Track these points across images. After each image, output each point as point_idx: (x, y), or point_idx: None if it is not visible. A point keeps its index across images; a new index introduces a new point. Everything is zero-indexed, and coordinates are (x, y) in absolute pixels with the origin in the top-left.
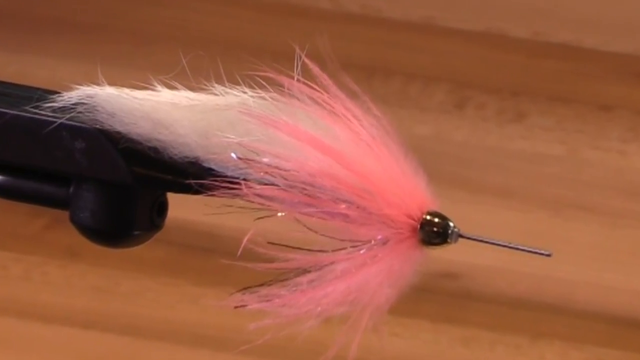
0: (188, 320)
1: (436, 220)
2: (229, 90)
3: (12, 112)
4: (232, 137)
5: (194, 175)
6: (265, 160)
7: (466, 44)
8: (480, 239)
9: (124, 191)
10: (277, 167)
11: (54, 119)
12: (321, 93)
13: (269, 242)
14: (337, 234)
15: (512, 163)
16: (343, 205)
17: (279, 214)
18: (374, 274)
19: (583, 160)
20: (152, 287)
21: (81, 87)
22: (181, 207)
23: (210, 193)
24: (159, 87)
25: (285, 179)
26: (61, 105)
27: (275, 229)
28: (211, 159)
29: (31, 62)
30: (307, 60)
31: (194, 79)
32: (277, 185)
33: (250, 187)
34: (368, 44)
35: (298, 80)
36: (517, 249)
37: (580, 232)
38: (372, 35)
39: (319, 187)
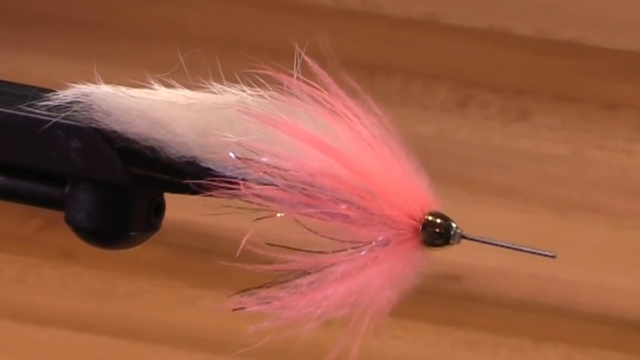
0: (186, 323)
1: (438, 221)
2: (227, 88)
3: (6, 110)
4: (231, 136)
5: (191, 175)
6: (264, 159)
7: (469, 41)
8: (483, 240)
9: (120, 191)
10: (276, 167)
11: (49, 118)
12: (321, 91)
13: (268, 243)
14: (337, 235)
15: (515, 163)
16: (343, 206)
17: (278, 215)
18: (375, 275)
19: (588, 160)
20: (149, 289)
21: (77, 85)
22: (179, 207)
23: (208, 193)
24: (156, 86)
25: (285, 179)
26: (56, 104)
27: (275, 229)
28: (209, 159)
29: (26, 60)
30: (307, 58)
31: (192, 77)
32: (276, 185)
33: (249, 187)
34: (369, 41)
35: (298, 78)
36: (521, 250)
37: (585, 232)
38: (373, 32)
39: (319, 187)
